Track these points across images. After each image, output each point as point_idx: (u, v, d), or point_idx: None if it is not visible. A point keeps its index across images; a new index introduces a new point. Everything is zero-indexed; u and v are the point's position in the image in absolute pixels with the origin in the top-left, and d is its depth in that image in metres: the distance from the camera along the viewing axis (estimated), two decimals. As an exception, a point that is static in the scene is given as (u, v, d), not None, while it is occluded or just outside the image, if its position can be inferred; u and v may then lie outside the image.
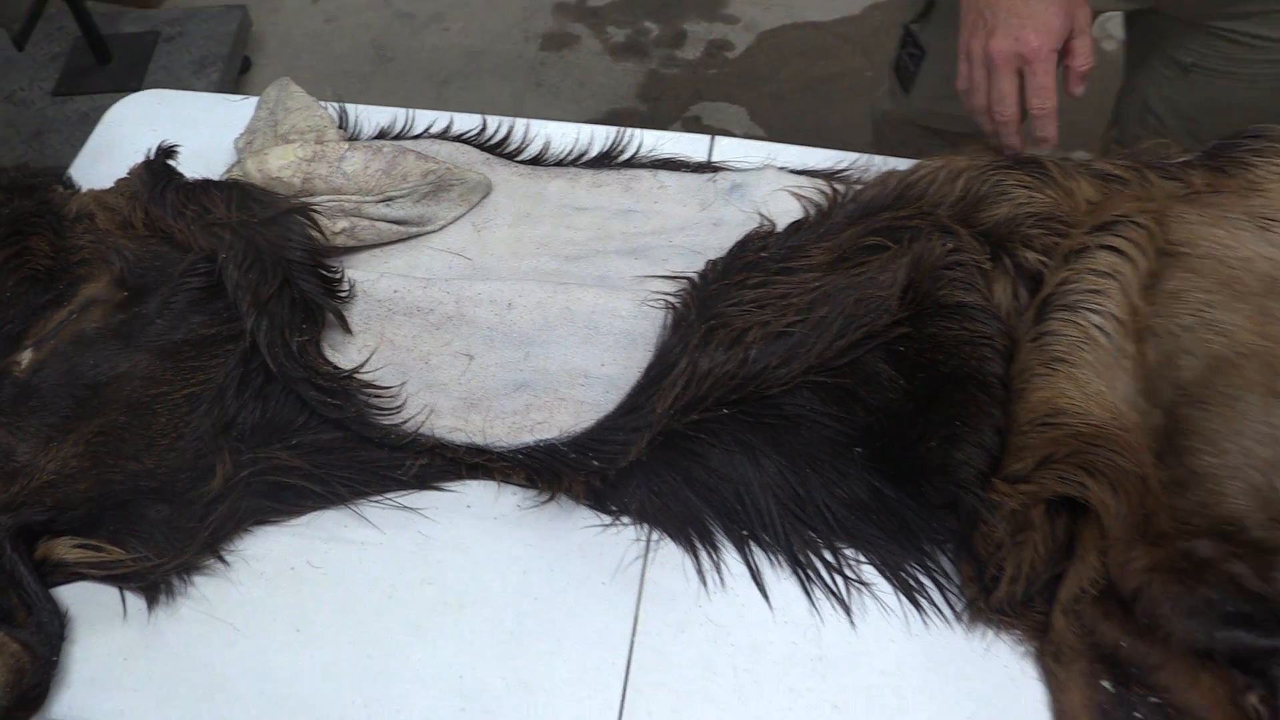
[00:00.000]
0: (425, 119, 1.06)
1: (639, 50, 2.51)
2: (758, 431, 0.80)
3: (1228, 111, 1.05)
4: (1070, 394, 0.72)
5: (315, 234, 0.89)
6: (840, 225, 0.87)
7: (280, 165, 0.90)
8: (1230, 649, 0.65)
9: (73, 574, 0.78)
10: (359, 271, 0.91)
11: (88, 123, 2.12)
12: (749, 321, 0.80)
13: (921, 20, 1.23)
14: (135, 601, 0.77)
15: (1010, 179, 0.83)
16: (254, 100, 1.07)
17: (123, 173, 0.96)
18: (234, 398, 0.83)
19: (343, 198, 0.91)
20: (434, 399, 0.83)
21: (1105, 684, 0.71)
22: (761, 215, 0.91)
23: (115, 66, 2.24)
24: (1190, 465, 0.70)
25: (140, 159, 0.96)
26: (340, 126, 1.04)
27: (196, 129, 1.04)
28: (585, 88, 2.43)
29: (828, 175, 0.97)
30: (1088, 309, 0.75)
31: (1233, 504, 0.68)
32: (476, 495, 0.82)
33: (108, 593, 0.77)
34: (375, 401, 0.82)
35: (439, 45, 2.56)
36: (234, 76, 2.34)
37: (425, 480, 0.82)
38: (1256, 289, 0.74)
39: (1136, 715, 0.70)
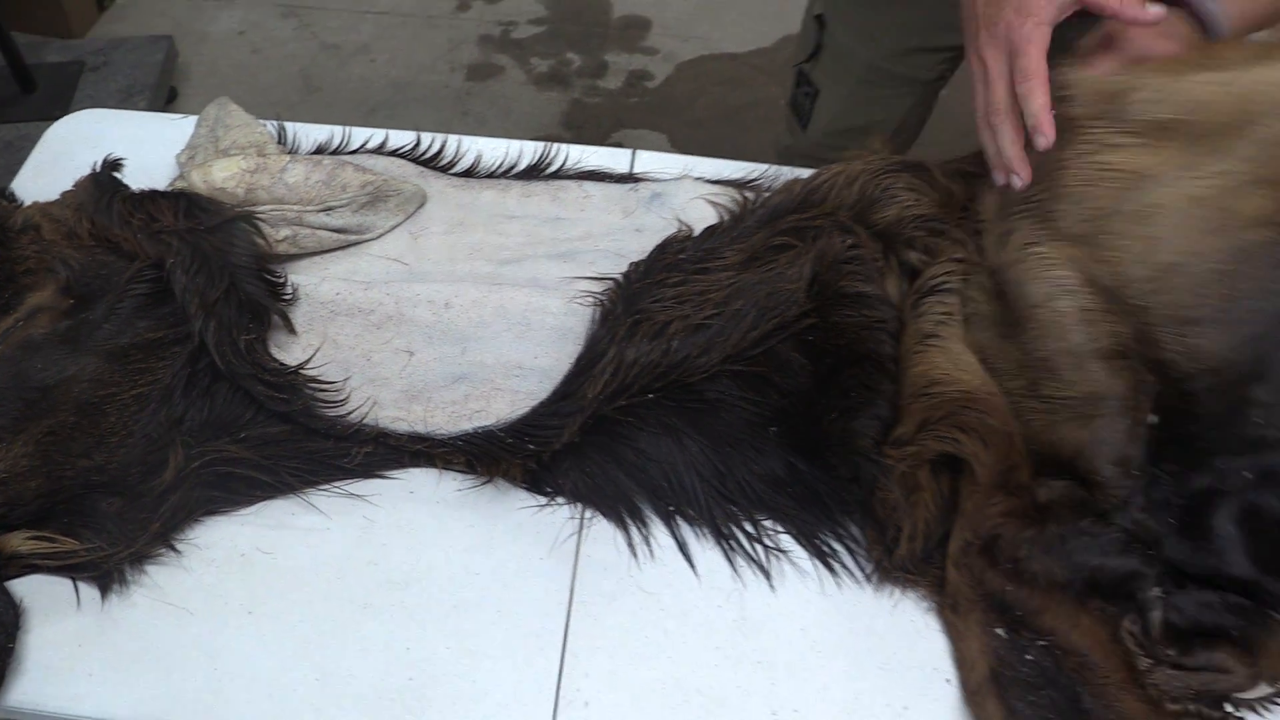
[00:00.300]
0: (361, 136, 1.11)
1: (562, 80, 2.59)
2: (681, 415, 0.85)
3: None
4: (943, 366, 0.79)
5: (259, 241, 0.93)
6: (751, 229, 0.94)
7: (224, 176, 0.94)
8: (1090, 578, 0.72)
9: (26, 566, 0.79)
10: (302, 276, 0.95)
11: (11, 151, 2.12)
12: (671, 315, 0.86)
13: (812, 60, 1.31)
14: (89, 591, 0.79)
15: (899, 183, 0.91)
16: (194, 119, 1.10)
17: (66, 188, 0.98)
18: (181, 396, 0.86)
19: (285, 207, 0.95)
20: (376, 392, 0.87)
21: (999, 631, 0.75)
22: (680, 221, 0.97)
23: (40, 96, 2.23)
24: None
25: (82, 175, 0.98)
26: (279, 143, 1.08)
27: (137, 147, 1.06)
28: (511, 116, 2.50)
29: (740, 184, 1.04)
30: (953, 289, 0.83)
31: (1031, 429, 0.76)
32: (419, 481, 0.86)
33: (62, 583, 0.79)
34: (320, 395, 0.86)
35: (366, 76, 2.60)
36: (160, 106, 2.34)
37: (370, 468, 0.86)
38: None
39: (1028, 658, 0.74)
